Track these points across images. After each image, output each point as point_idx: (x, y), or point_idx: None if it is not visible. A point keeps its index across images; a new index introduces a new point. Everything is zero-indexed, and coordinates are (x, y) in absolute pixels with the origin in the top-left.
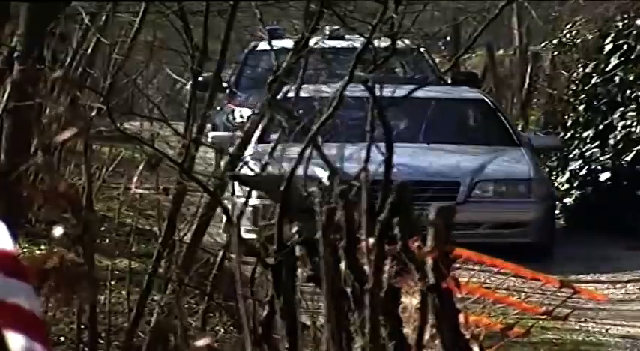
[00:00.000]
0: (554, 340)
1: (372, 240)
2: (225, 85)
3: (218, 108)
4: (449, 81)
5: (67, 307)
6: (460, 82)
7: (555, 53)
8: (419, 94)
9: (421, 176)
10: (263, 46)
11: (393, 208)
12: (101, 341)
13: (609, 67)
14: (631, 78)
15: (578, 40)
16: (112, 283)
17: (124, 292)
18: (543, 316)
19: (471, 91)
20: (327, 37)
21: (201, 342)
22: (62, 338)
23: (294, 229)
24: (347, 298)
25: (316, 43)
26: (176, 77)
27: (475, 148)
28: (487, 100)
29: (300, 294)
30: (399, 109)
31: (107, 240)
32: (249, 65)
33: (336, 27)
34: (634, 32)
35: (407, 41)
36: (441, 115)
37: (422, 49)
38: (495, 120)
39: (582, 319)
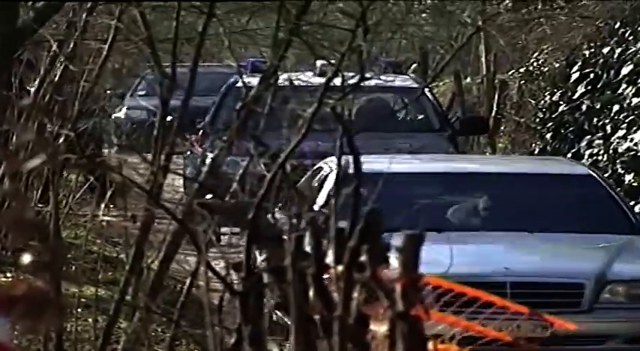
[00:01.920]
0: None
1: (340, 267)
2: (199, 124)
3: (189, 152)
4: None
5: (33, 335)
6: (467, 128)
7: (523, 81)
8: (512, 170)
9: (534, 276)
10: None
11: (362, 235)
12: None
13: (576, 95)
14: (598, 106)
15: (546, 69)
16: (79, 310)
17: (90, 320)
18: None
19: (574, 164)
20: (317, 73)
21: None
22: None
23: (263, 257)
24: (315, 326)
25: (284, 73)
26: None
27: (591, 239)
28: (595, 176)
29: (269, 321)
30: (488, 188)
31: (74, 267)
32: (230, 101)
33: (324, 61)
34: (600, 61)
35: (407, 79)
36: (542, 195)
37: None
38: (608, 201)
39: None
